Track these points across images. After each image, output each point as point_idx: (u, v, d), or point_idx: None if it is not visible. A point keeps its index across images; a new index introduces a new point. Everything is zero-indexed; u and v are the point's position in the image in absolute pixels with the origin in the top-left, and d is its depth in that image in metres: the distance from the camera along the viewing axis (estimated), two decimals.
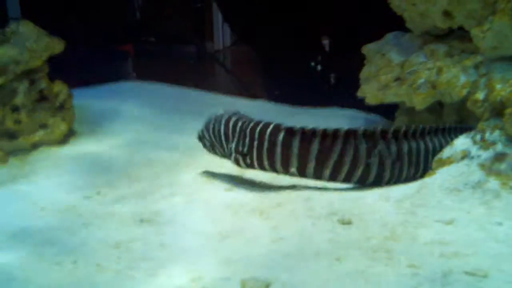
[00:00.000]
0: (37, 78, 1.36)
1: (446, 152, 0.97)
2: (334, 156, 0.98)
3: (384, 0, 1.37)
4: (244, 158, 1.06)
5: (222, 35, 3.67)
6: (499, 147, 0.91)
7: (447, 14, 1.21)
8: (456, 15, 1.19)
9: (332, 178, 1.00)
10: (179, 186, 1.09)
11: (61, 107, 1.38)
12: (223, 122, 1.09)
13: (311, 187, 1.01)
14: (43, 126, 1.35)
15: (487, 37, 1.08)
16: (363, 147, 0.98)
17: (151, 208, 1.00)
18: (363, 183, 1.00)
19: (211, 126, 1.11)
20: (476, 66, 1.15)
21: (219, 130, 1.10)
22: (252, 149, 1.05)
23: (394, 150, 0.99)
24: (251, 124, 1.06)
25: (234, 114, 1.11)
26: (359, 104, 1.59)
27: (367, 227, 0.81)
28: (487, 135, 0.94)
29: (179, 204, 1.00)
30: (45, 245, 0.88)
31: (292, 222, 0.86)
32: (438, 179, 0.90)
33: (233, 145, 1.07)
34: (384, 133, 0.99)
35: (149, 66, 2.71)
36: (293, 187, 1.03)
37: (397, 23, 1.38)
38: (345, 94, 1.70)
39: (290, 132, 1.01)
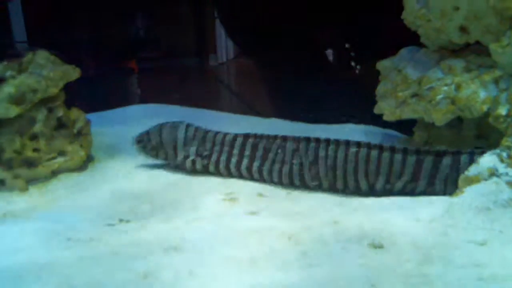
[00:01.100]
0: (54, 106, 1.36)
1: (473, 170, 0.96)
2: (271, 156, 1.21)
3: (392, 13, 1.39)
4: (202, 160, 1.26)
5: (225, 48, 3.68)
6: None
7: (463, 29, 1.21)
8: (473, 30, 1.20)
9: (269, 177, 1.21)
10: (203, 211, 1.08)
11: (79, 133, 1.38)
12: (181, 128, 1.28)
13: (337, 211, 1.00)
14: (62, 153, 1.36)
15: (506, 53, 1.08)
16: (290, 149, 1.19)
17: (176, 235, 0.99)
18: (290, 182, 1.19)
19: (163, 132, 1.28)
20: (496, 81, 1.15)
21: (176, 136, 1.27)
22: (212, 153, 1.26)
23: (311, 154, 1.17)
24: (212, 132, 1.27)
25: (184, 123, 1.30)
26: (374, 120, 1.60)
27: (399, 251, 0.80)
28: None
29: (205, 230, 1.00)
30: (74, 277, 0.87)
31: (321, 247, 0.86)
32: (467, 198, 0.90)
33: (194, 149, 1.26)
34: (307, 140, 1.19)
35: (154, 83, 2.72)
36: (317, 210, 1.02)
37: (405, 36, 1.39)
38: (359, 109, 1.70)
39: (246, 137, 1.24)
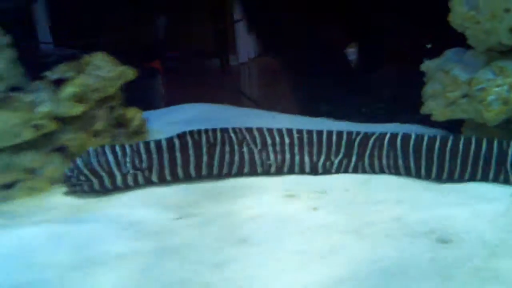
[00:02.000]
0: (113, 105, 1.42)
1: None
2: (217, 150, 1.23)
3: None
4: (143, 173, 1.22)
5: (245, 48, 3.72)
6: None
7: None
8: None
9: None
10: (264, 207, 1.13)
11: (137, 131, 1.44)
12: (107, 151, 1.22)
13: (398, 208, 1.04)
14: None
15: None
16: (234, 139, 1.24)
17: (241, 229, 1.04)
18: (240, 172, 1.26)
19: (91, 162, 1.20)
20: None
21: (106, 159, 1.21)
22: (151, 162, 1.22)
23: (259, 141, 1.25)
24: (141, 143, 1.24)
25: (106, 146, 1.24)
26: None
27: (467, 246, 0.84)
28: None
29: (269, 225, 1.04)
30: (152, 265, 0.92)
31: (389, 242, 0.90)
32: None
33: (129, 165, 1.21)
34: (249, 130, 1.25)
35: (179, 82, 2.76)
36: (376, 204, 1.06)
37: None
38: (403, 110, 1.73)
39: (183, 137, 1.23)
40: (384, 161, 1.23)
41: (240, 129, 1.27)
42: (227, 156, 1.25)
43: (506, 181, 1.13)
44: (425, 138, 1.22)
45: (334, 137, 1.26)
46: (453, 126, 1.45)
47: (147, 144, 1.24)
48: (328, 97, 2.09)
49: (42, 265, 0.93)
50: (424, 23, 1.78)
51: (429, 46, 1.77)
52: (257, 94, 2.79)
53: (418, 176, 1.21)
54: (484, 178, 1.15)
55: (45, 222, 1.10)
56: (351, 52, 2.25)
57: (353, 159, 1.25)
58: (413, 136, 1.23)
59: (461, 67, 1.38)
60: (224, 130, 1.26)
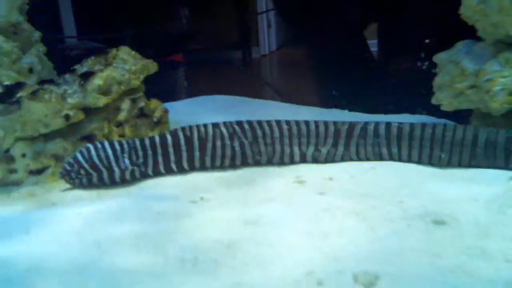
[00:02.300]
0: (136, 97, 1.51)
1: None
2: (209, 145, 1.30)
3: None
4: (140, 168, 1.29)
5: (267, 40, 3.78)
6: None
7: None
8: None
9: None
10: (274, 192, 1.20)
11: (158, 122, 1.53)
12: (107, 146, 1.28)
13: (400, 193, 1.09)
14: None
15: None
16: (225, 133, 1.29)
17: (252, 212, 1.11)
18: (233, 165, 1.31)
19: (92, 156, 1.26)
20: None
21: (106, 155, 1.27)
22: (147, 158, 1.29)
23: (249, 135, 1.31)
24: (137, 140, 1.30)
25: (104, 142, 1.31)
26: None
27: (460, 227, 0.89)
28: None
29: (278, 208, 1.11)
30: (166, 245, 1.00)
31: (388, 223, 0.96)
32: None
33: (127, 160, 1.27)
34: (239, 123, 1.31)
35: (201, 75, 2.81)
36: (379, 190, 1.12)
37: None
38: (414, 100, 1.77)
39: (174, 133, 1.30)
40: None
41: (231, 123, 1.32)
42: (219, 151, 1.31)
43: (506, 167, 1.17)
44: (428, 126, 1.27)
45: (322, 127, 1.31)
46: (462, 116, 1.49)
47: (142, 140, 1.30)
48: (348, 89, 2.12)
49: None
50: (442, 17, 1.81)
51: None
52: (279, 86, 2.84)
53: (421, 163, 1.26)
54: (484, 165, 1.19)
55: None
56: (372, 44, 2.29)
57: (340, 148, 1.30)
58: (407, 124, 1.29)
59: (470, 59, 1.41)
60: (215, 125, 1.32)
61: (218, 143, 1.31)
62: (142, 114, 1.51)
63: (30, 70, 1.53)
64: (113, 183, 1.30)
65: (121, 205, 1.18)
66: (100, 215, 1.14)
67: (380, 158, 1.29)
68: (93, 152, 1.28)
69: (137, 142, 1.30)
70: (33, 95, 1.35)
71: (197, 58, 3.22)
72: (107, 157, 1.27)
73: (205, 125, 1.32)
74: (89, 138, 1.42)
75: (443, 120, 1.66)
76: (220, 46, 3.49)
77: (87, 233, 1.06)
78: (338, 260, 0.87)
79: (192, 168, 1.33)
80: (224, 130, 1.31)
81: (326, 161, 1.32)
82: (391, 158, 1.29)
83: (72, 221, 1.12)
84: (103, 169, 1.28)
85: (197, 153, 1.31)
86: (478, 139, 1.20)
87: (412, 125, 1.28)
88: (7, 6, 1.51)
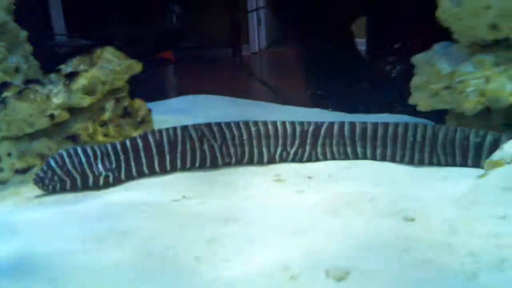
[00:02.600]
0: (120, 96, 1.54)
1: (496, 155, 1.08)
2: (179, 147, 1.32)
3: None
4: (113, 173, 1.29)
5: (258, 38, 3.80)
6: None
7: (494, 27, 1.32)
8: (503, 28, 1.30)
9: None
10: (254, 190, 1.23)
11: (142, 121, 1.56)
12: (80, 152, 1.27)
13: (373, 191, 1.14)
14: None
15: None
16: (194, 136, 1.32)
17: (232, 209, 1.15)
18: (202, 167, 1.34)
19: (66, 162, 1.26)
20: None
21: (80, 161, 1.27)
22: (120, 163, 1.30)
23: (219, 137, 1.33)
24: (109, 145, 1.31)
25: (77, 147, 1.30)
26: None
27: (429, 223, 0.94)
28: None
29: (257, 205, 1.15)
30: (152, 240, 1.03)
31: (360, 220, 1.00)
32: (492, 180, 1.02)
33: (100, 166, 1.28)
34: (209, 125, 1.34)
35: (191, 72, 2.83)
36: (354, 188, 1.16)
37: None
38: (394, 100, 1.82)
39: (145, 137, 1.32)
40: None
41: (199, 126, 1.34)
42: (189, 153, 1.33)
43: (476, 165, 1.22)
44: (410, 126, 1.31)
45: (289, 128, 1.34)
46: (439, 116, 1.54)
47: (113, 145, 1.32)
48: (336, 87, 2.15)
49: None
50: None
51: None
52: (270, 82, 2.87)
53: (395, 161, 1.31)
54: (455, 163, 1.24)
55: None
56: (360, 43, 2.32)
57: (307, 148, 1.34)
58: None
59: (446, 60, 1.46)
60: (184, 128, 1.33)
61: (188, 145, 1.33)
62: (126, 113, 1.54)
63: (16, 70, 1.55)
64: (86, 189, 1.30)
65: (106, 203, 1.21)
66: (85, 213, 1.17)
67: (347, 157, 1.33)
68: (66, 158, 1.28)
69: (109, 147, 1.31)
70: (19, 94, 1.38)
71: (187, 55, 3.24)
72: (80, 163, 1.27)
73: (174, 128, 1.34)
74: (74, 137, 1.45)
75: (423, 120, 1.71)
76: (210, 44, 3.50)
77: (72, 230, 1.09)
78: (312, 256, 0.91)
79: (163, 171, 1.34)
80: (193, 132, 1.33)
81: (294, 161, 1.36)
82: (360, 157, 1.32)
83: (57, 219, 1.15)
84: (77, 176, 1.28)
85: (167, 156, 1.33)
86: (454, 138, 1.25)
87: (382, 125, 1.33)
88: None
